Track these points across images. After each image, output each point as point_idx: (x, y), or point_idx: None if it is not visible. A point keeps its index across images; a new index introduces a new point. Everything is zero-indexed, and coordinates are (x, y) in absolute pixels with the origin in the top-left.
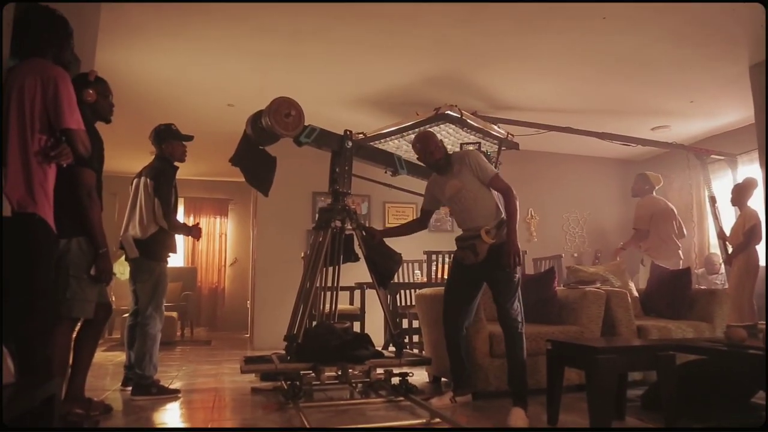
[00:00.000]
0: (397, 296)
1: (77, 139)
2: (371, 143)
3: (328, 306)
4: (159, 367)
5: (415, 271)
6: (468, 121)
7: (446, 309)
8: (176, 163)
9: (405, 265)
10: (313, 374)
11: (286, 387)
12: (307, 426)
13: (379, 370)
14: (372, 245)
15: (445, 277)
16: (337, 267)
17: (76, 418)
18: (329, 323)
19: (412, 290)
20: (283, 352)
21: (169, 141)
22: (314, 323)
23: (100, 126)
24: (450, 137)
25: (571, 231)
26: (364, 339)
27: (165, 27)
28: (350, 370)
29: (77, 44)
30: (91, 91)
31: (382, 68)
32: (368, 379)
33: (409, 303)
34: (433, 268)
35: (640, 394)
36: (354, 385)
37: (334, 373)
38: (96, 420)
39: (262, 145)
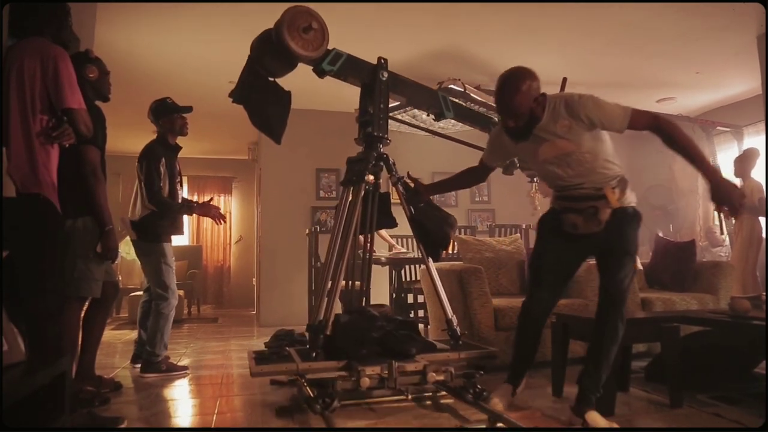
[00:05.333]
0: (402, 271)
1: (79, 118)
2: None
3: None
4: (168, 345)
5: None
6: (471, 95)
7: (535, 289)
8: (179, 139)
9: (409, 241)
10: (346, 375)
11: (311, 394)
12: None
13: (432, 369)
14: (420, 205)
15: (450, 252)
16: (369, 235)
17: (87, 395)
18: (364, 307)
19: (417, 266)
20: (290, 329)
21: (165, 116)
22: (339, 307)
23: (100, 105)
24: None
25: None
26: (410, 326)
27: (165, 4)
28: (398, 370)
29: (75, 23)
30: (94, 68)
31: (384, 43)
32: (423, 385)
33: (412, 278)
34: None
35: (644, 366)
36: (405, 391)
37: (376, 374)
38: (106, 397)
39: (272, 75)
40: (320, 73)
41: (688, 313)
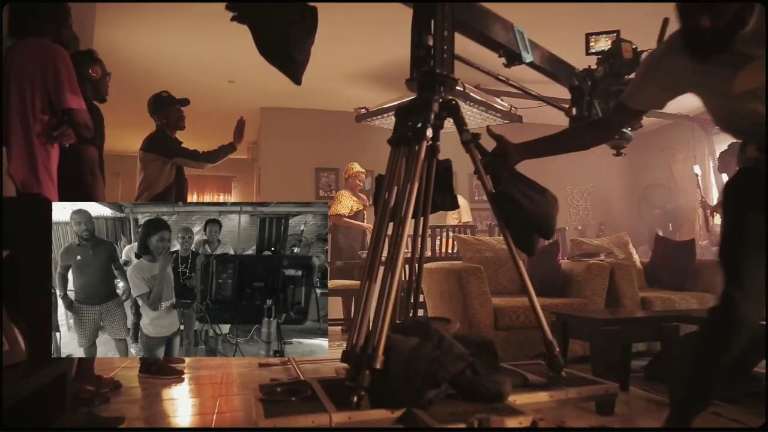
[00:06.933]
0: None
1: (79, 118)
2: (373, 121)
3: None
4: None
5: None
6: (471, 94)
7: (736, 286)
8: (177, 133)
9: (409, 240)
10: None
11: None
12: None
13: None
14: (504, 174)
15: (450, 251)
16: (423, 218)
17: (87, 395)
18: (427, 323)
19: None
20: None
21: (161, 109)
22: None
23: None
24: None
25: (575, 204)
26: (489, 350)
27: (164, 4)
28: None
29: (75, 23)
30: (97, 68)
31: (383, 43)
32: None
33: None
34: (438, 242)
35: (644, 365)
36: None
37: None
38: (106, 397)
39: None
40: None
41: (687, 312)
